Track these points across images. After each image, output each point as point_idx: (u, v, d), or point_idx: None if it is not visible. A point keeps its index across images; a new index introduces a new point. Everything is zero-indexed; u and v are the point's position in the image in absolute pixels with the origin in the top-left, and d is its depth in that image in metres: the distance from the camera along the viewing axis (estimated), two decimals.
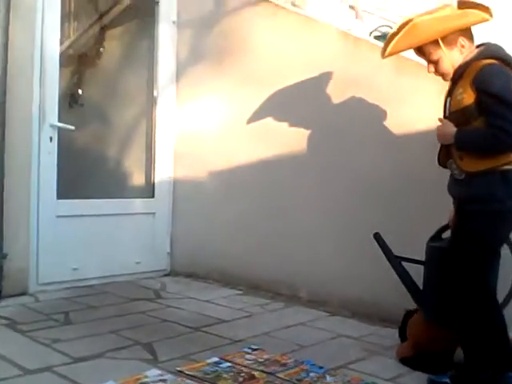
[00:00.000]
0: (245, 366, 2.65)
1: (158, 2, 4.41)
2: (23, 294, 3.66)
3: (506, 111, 2.33)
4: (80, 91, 4.67)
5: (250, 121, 4.13)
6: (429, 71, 2.59)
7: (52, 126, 3.78)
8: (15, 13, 3.51)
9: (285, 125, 3.95)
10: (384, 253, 2.89)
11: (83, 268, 4.02)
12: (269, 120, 4.03)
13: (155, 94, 4.46)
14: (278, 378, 2.54)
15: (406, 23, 2.48)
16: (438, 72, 2.56)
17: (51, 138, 3.79)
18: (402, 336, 2.96)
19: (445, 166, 2.62)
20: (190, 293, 3.98)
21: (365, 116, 3.59)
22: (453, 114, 2.51)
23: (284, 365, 2.69)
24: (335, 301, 3.67)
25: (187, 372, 2.54)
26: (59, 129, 3.83)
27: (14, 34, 3.52)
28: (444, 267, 2.51)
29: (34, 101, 3.68)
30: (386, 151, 3.49)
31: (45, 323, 3.13)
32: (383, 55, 2.62)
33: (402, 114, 3.44)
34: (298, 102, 3.89)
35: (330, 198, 3.73)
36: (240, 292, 4.07)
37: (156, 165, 4.47)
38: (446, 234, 2.76)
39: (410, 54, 3.42)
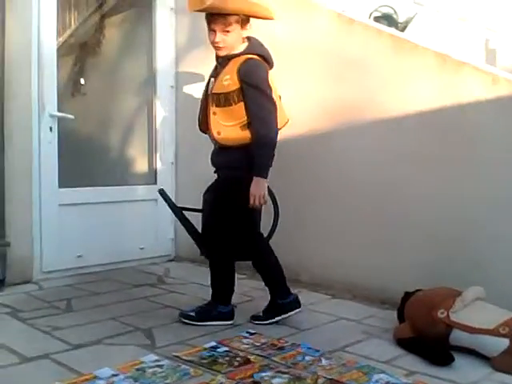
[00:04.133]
0: (241, 350, 2.67)
1: None
2: (27, 282, 3.70)
3: (265, 101, 2.85)
4: (82, 80, 4.68)
5: None
6: (213, 40, 2.90)
7: (51, 115, 3.81)
8: (10, 4, 3.52)
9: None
10: (168, 205, 3.24)
11: (87, 255, 4.07)
12: None
13: (155, 80, 4.46)
14: (274, 361, 2.56)
15: None
16: (223, 42, 2.87)
17: (51, 128, 3.82)
18: (400, 317, 2.98)
19: (205, 132, 3.10)
20: (194, 278, 4.00)
21: (362, 98, 3.57)
22: (215, 94, 2.91)
23: (280, 348, 2.72)
24: (337, 284, 3.69)
25: (183, 357, 2.57)
26: (59, 118, 3.86)
27: (9, 25, 3.54)
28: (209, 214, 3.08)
29: (32, 92, 3.70)
30: (388, 132, 3.49)
31: (46, 311, 3.18)
32: (197, 7, 2.89)
33: (400, 95, 3.42)
34: (295, 84, 3.86)
35: (334, 185, 3.74)
36: (244, 276, 4.07)
37: (157, 151, 4.50)
38: None
39: (405, 34, 3.44)
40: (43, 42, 3.75)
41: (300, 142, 3.86)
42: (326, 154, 3.76)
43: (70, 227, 3.97)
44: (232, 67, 2.88)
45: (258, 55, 2.93)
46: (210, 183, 4.29)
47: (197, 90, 4.40)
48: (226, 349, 2.69)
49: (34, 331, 2.85)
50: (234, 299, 3.42)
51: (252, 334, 2.91)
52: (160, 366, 2.46)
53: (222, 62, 2.96)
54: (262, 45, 3.02)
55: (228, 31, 2.87)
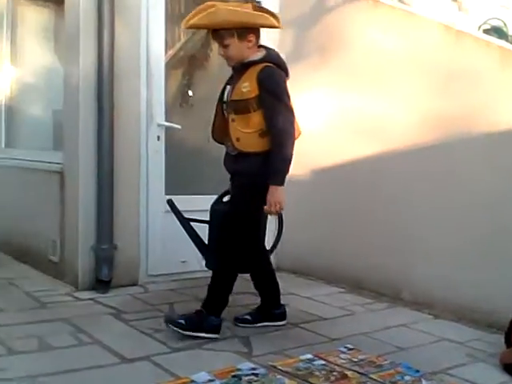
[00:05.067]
0: (338, 365, 2.62)
1: (259, 2, 4.46)
2: (133, 284, 3.84)
3: (283, 109, 2.83)
4: (190, 92, 4.82)
5: (353, 117, 4.09)
6: (219, 53, 2.96)
7: (159, 125, 3.94)
8: (119, 15, 3.67)
9: (388, 120, 3.87)
10: (176, 216, 3.26)
11: (191, 261, 4.12)
12: (372, 116, 3.97)
13: None
14: (371, 379, 2.50)
15: (211, 6, 2.82)
16: (225, 55, 2.92)
17: (158, 137, 3.95)
18: (508, 342, 2.83)
19: (220, 142, 3.08)
20: (293, 289, 3.99)
21: (469, 111, 3.44)
22: (233, 102, 2.91)
23: (379, 366, 2.65)
24: (440, 303, 3.55)
25: (280, 367, 2.56)
26: (167, 128, 3.98)
27: (119, 36, 3.68)
28: (221, 225, 3.01)
29: (141, 101, 3.86)
30: (495, 146, 3.34)
31: (149, 313, 3.27)
32: (184, 25, 2.95)
33: (509, 108, 3.27)
34: (401, 97, 3.80)
35: (440, 199, 3.61)
36: (343, 290, 4.03)
37: None
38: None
39: None
40: (152, 55, 3.89)
41: (404, 155, 3.77)
42: (430, 168, 3.64)
43: (176, 233, 4.02)
44: (251, 74, 2.86)
45: (276, 64, 2.92)
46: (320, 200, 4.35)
47: (299, 102, 4.40)
48: (323, 362, 2.65)
49: (135, 333, 2.94)
50: (332, 313, 3.40)
51: (350, 349, 2.85)
52: (256, 375, 2.46)
53: (239, 69, 2.94)
54: (279, 55, 3.02)
55: (226, 45, 2.89)
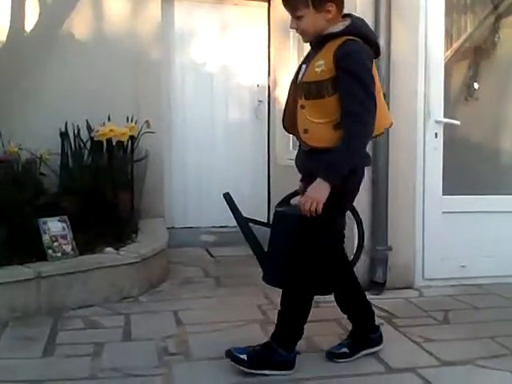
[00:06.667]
0: None
1: None
2: (408, 287, 3.73)
3: (361, 93, 2.25)
4: (475, 85, 4.54)
5: None
6: (291, 27, 2.43)
7: (437, 121, 3.77)
8: (396, 12, 3.60)
9: None
10: (232, 213, 2.70)
11: (471, 266, 3.90)
12: None
13: None
14: None
15: None
16: (299, 28, 2.41)
17: (436, 134, 3.78)
18: None
19: (291, 132, 2.53)
20: None
21: None
22: (305, 84, 2.36)
23: None
24: None
25: None
26: (445, 124, 3.80)
27: (396, 32, 3.62)
28: (286, 230, 2.46)
29: (418, 97, 3.73)
30: None
31: (421, 320, 3.14)
32: None
33: None
34: None
35: None
36: None
37: None
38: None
39: None
40: (430, 48, 3.74)
41: None
42: None
43: (454, 236, 3.87)
44: (327, 51, 2.30)
45: (361, 38, 2.32)
46: None
47: None
48: None
49: (405, 340, 2.84)
50: None
51: None
52: None
53: (316, 44, 2.39)
54: (366, 25, 2.42)
55: (299, 16, 2.36)
